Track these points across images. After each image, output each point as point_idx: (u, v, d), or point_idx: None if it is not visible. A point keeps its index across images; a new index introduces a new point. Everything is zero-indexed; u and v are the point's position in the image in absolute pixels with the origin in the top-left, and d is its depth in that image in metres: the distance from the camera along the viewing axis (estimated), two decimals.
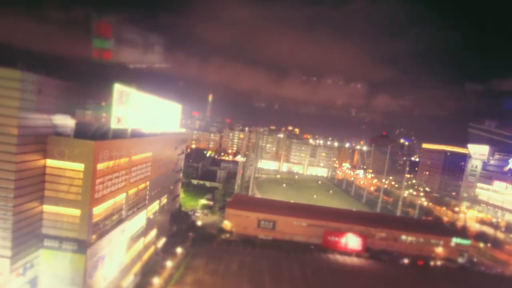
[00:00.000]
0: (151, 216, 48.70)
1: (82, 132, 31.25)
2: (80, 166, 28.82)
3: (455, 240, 73.19)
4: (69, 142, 28.63)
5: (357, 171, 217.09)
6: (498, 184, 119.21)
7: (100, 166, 30.22)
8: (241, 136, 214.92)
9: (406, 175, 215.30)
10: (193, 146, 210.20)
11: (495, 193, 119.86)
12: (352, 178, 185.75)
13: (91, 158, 28.73)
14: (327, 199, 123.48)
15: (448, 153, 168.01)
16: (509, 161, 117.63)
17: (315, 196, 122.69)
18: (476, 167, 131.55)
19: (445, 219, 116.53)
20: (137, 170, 39.66)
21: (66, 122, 30.01)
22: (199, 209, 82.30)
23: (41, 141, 28.02)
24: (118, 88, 31.93)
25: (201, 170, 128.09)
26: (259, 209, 73.97)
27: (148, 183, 44.34)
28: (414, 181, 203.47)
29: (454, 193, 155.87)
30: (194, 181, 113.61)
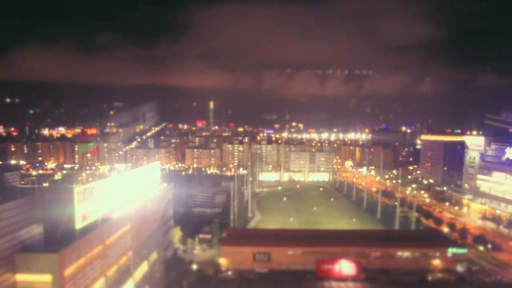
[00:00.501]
0: (141, 278, 50.27)
1: (51, 236, 32.80)
2: (48, 277, 30.42)
3: (451, 251, 73.26)
4: (33, 257, 30.25)
5: (360, 169, 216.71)
6: (497, 175, 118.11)
7: (68, 270, 31.78)
8: (241, 148, 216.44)
9: (409, 167, 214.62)
10: (195, 165, 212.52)
11: (495, 184, 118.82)
12: (355, 179, 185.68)
13: (57, 269, 30.27)
14: (328, 209, 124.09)
15: (448, 144, 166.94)
16: (505, 150, 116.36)
17: (315, 208, 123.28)
18: (474, 158, 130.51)
19: (448, 215, 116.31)
20: (115, 249, 41.17)
21: (33, 232, 31.66)
22: (197, 245, 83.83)
23: (8, 261, 29.70)
24: (78, 190, 33.45)
25: (200, 195, 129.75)
26: (253, 243, 75.14)
27: (130, 253, 45.87)
28: (418, 171, 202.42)
29: (459, 182, 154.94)
30: (195, 210, 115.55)
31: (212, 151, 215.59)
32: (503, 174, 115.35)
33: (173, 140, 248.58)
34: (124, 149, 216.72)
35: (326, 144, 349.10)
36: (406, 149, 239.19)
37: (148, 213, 52.36)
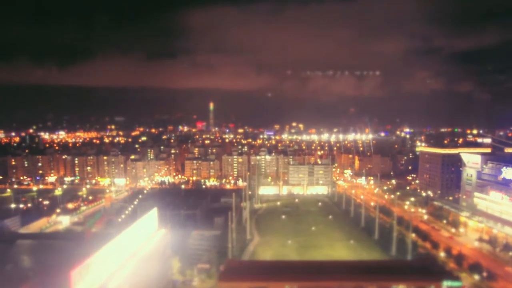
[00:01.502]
0: None
1: None
2: None
3: (446, 284, 74.03)
4: None
5: (359, 179, 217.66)
6: (494, 194, 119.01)
7: None
8: (240, 160, 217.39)
9: (408, 177, 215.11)
10: (194, 178, 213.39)
11: (492, 203, 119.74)
12: (353, 191, 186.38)
13: None
14: (326, 229, 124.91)
15: (446, 156, 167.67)
16: (501, 170, 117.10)
17: (313, 228, 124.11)
18: (471, 175, 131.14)
19: (446, 234, 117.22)
20: None
21: None
22: (195, 276, 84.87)
23: None
24: (75, 272, 34.29)
25: (199, 216, 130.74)
26: (250, 277, 76.03)
27: None
28: (417, 181, 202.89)
29: (456, 195, 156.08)
30: (194, 233, 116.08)
31: (211, 162, 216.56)
32: (500, 194, 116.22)
33: (172, 151, 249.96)
34: (124, 162, 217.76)
35: (326, 148, 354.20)
36: (405, 157, 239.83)
37: (146, 265, 53.28)
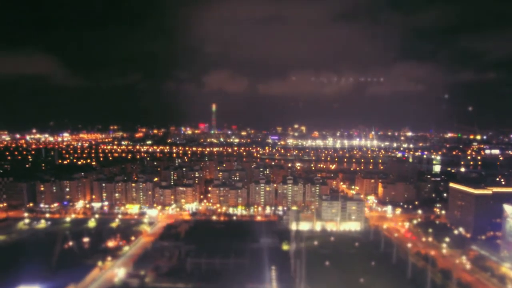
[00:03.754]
0: None
1: None
2: None
3: None
4: None
5: (384, 208, 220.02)
6: None
7: None
8: (268, 188, 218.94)
9: (435, 209, 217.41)
10: (223, 207, 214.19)
11: None
12: (385, 226, 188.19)
13: None
14: (374, 281, 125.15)
15: (479, 197, 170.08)
16: None
17: (362, 280, 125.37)
18: None
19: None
20: None
21: None
22: None
23: None
24: None
25: (247, 264, 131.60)
26: None
27: None
28: (443, 211, 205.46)
29: (488, 234, 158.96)
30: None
31: (239, 191, 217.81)
32: None
33: (197, 174, 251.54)
34: (151, 189, 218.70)
35: (337, 159, 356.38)
36: (429, 185, 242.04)
37: None
